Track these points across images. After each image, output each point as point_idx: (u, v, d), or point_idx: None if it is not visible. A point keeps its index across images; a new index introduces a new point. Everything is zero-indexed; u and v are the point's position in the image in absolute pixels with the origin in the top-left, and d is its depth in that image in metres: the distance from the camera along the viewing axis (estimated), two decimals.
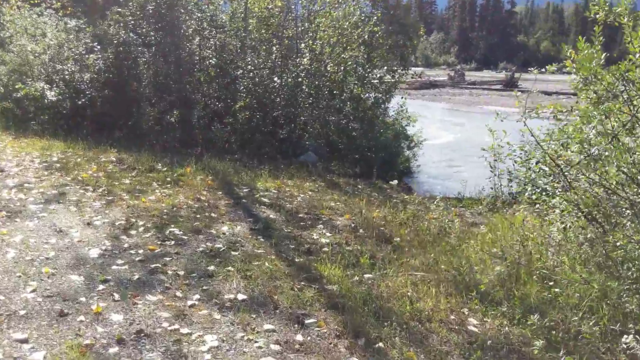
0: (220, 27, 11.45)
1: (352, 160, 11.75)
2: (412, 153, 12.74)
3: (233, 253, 4.92)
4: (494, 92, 43.64)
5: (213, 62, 11.16)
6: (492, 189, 8.86)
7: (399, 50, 12.56)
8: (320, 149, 11.46)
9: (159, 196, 6.68)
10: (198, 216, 6.00)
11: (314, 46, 12.10)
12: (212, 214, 6.14)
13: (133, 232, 5.31)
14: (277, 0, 12.29)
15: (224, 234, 5.49)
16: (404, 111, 13.29)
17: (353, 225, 6.17)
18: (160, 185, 7.34)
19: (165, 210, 6.08)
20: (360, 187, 9.45)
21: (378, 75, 12.47)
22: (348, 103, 11.80)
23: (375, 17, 11.79)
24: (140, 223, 5.56)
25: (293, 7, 12.51)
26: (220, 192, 7.19)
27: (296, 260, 4.89)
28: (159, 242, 5.05)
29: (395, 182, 9.66)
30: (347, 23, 11.68)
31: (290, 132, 10.93)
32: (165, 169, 8.24)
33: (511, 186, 8.66)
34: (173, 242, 5.08)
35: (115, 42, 10.09)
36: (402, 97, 13.58)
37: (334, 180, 9.44)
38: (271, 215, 6.30)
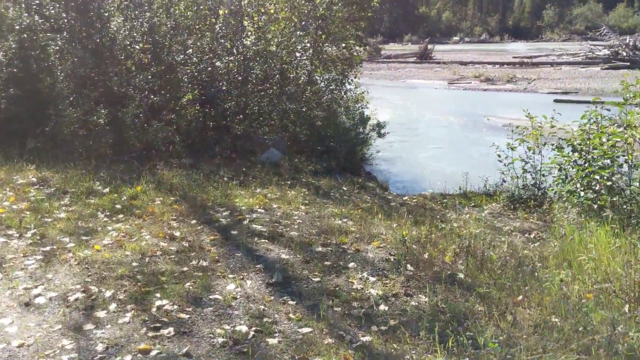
0: (147, 3, 9.38)
1: (318, 154, 10.19)
2: (373, 139, 11.28)
3: (270, 341, 3.23)
4: (410, 64, 43.18)
5: (138, 48, 9.10)
6: (504, 181, 7.62)
7: (354, 24, 11.00)
8: (282, 144, 9.77)
9: (116, 237, 4.80)
10: (184, 269, 4.22)
11: (260, 23, 10.29)
12: (202, 262, 4.37)
13: (101, 313, 3.48)
14: None
15: (235, 298, 3.77)
16: (360, 92, 11.79)
17: (393, 258, 4.61)
18: (109, 216, 5.42)
19: (134, 264, 4.24)
20: (344, 188, 7.91)
21: (334, 54, 10.87)
22: (308, 88, 10.16)
23: None
24: (108, 294, 3.72)
25: None
26: (195, 221, 5.39)
27: (366, 341, 3.29)
28: (150, 334, 3.26)
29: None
30: None
31: (248, 127, 9.16)
32: (107, 189, 6.27)
33: (527, 178, 7.42)
34: (172, 330, 3.31)
35: (17, 27, 7.80)
36: (353, 77, 12.04)
37: (315, 184, 7.82)
38: (281, 255, 4.61)
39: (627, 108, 6.14)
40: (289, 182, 7.76)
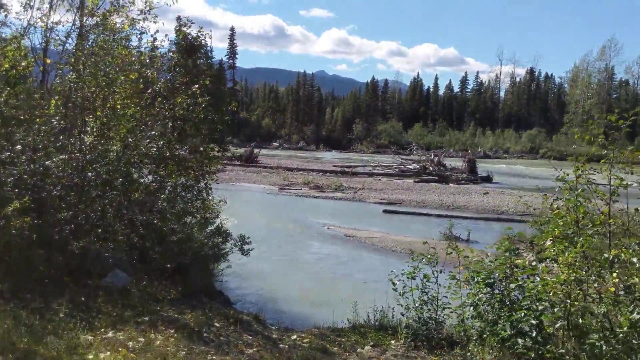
0: None
1: (170, 273, 8.63)
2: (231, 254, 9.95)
3: None
4: (237, 167, 42.86)
5: None
6: (402, 314, 6.79)
7: (211, 125, 9.97)
8: (127, 263, 8.03)
9: None
10: None
11: (104, 118, 8.79)
12: None
13: None
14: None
15: None
16: (217, 200, 10.55)
17: None
18: None
19: None
20: (217, 325, 6.46)
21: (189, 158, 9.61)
22: (160, 196, 8.71)
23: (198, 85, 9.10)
24: None
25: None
26: None
27: None
28: None
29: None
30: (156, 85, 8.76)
31: (90, 243, 7.35)
32: None
33: (423, 309, 6.66)
34: None
35: None
36: (205, 182, 10.71)
37: (181, 320, 6.27)
38: None
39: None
40: (147, 318, 6.14)
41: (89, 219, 7.86)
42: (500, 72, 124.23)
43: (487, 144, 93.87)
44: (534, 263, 6.06)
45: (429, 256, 6.65)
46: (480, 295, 5.79)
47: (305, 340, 6.07)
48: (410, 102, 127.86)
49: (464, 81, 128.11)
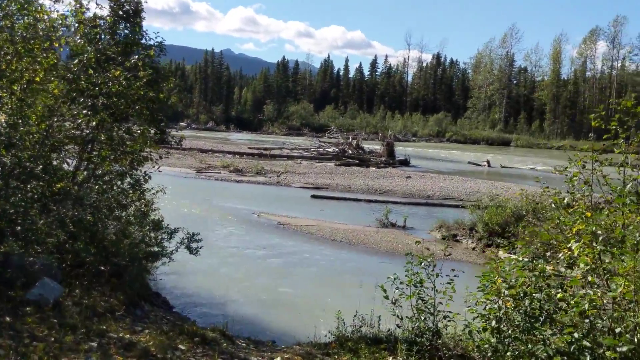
0: None
1: (105, 277, 7.34)
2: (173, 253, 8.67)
3: None
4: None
5: None
6: (398, 326, 5.95)
7: (151, 104, 8.59)
8: (55, 269, 6.64)
9: None
10: None
11: (19, 93, 7.24)
12: None
13: None
14: None
15: None
16: (155, 190, 9.13)
17: None
18: None
19: None
20: (182, 347, 5.34)
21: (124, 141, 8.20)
22: (96, 183, 7.35)
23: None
24: None
25: None
26: None
27: None
28: None
29: None
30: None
31: (14, 249, 5.91)
32: None
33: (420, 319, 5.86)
34: None
35: None
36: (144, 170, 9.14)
37: (138, 344, 5.10)
38: None
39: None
40: (94, 344, 4.93)
41: (7, 217, 6.39)
42: (409, 57, 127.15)
43: (397, 127, 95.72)
44: (562, 269, 5.36)
45: (426, 258, 5.85)
46: (499, 307, 5.02)
47: None
48: (322, 84, 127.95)
49: (373, 64, 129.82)
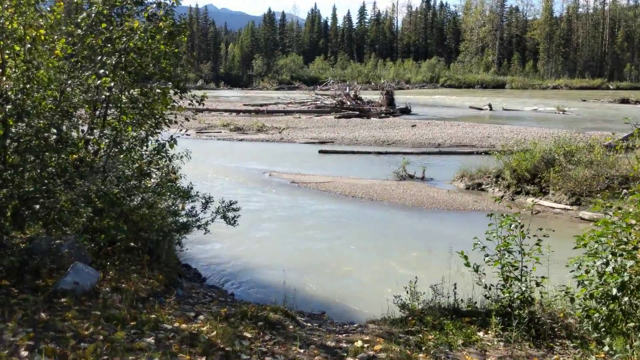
0: None
1: (131, 252, 6.66)
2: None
3: None
4: None
5: None
6: (486, 297, 5.30)
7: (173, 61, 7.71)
8: (84, 251, 5.93)
9: None
10: None
11: (24, 54, 6.35)
12: None
13: None
14: None
15: None
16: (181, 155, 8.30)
17: None
18: None
19: None
20: (248, 335, 4.68)
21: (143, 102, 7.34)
22: (121, 152, 6.59)
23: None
24: None
25: None
26: None
27: None
28: None
29: None
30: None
31: (39, 232, 5.18)
32: None
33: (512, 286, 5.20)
34: None
35: None
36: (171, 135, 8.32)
37: (194, 332, 4.43)
38: None
39: None
40: (151, 340, 4.27)
41: (25, 195, 5.62)
42: (397, 2, 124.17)
43: (389, 75, 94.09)
44: None
45: (514, 217, 5.14)
46: (617, 270, 4.36)
47: (377, 349, 4.45)
48: (309, 35, 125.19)
49: (362, 12, 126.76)
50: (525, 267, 5.19)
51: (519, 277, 5.06)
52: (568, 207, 13.06)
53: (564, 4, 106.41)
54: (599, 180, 12.90)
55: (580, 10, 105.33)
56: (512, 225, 5.01)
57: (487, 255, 5.09)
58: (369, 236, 10.94)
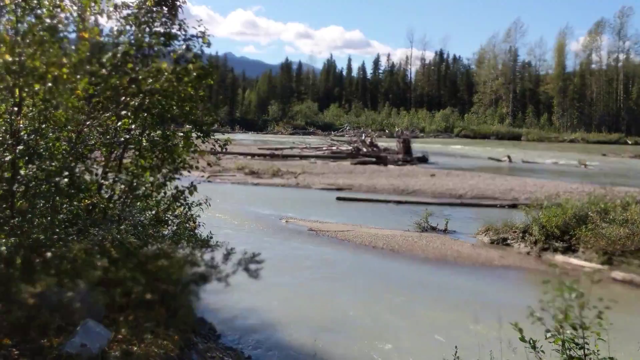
0: None
1: (145, 306, 6.12)
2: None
3: None
4: None
5: None
6: None
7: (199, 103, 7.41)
8: (95, 305, 5.43)
9: None
10: None
11: (43, 93, 6.00)
12: None
13: None
14: None
15: None
16: (198, 203, 7.90)
17: None
18: None
19: None
20: None
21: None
22: (137, 199, 6.15)
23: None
24: None
25: None
26: None
27: None
28: None
29: None
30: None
31: (50, 285, 4.71)
32: None
33: None
34: None
35: None
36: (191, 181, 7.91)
37: None
38: None
39: None
40: None
41: (36, 244, 5.16)
42: (411, 54, 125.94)
43: (403, 123, 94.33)
44: None
45: (573, 287, 4.57)
46: None
47: None
48: (325, 83, 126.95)
49: (376, 62, 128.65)
50: (587, 343, 4.58)
51: (583, 357, 4.45)
52: (599, 266, 12.41)
53: (576, 60, 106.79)
54: (634, 240, 12.30)
55: (593, 66, 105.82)
56: (573, 295, 4.43)
57: (548, 331, 4.49)
58: (396, 291, 10.33)
